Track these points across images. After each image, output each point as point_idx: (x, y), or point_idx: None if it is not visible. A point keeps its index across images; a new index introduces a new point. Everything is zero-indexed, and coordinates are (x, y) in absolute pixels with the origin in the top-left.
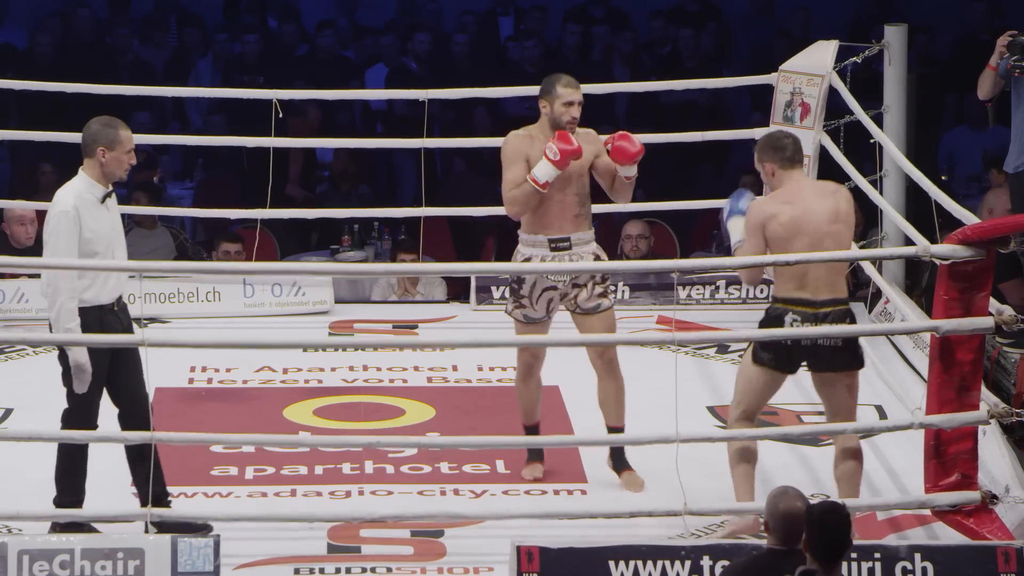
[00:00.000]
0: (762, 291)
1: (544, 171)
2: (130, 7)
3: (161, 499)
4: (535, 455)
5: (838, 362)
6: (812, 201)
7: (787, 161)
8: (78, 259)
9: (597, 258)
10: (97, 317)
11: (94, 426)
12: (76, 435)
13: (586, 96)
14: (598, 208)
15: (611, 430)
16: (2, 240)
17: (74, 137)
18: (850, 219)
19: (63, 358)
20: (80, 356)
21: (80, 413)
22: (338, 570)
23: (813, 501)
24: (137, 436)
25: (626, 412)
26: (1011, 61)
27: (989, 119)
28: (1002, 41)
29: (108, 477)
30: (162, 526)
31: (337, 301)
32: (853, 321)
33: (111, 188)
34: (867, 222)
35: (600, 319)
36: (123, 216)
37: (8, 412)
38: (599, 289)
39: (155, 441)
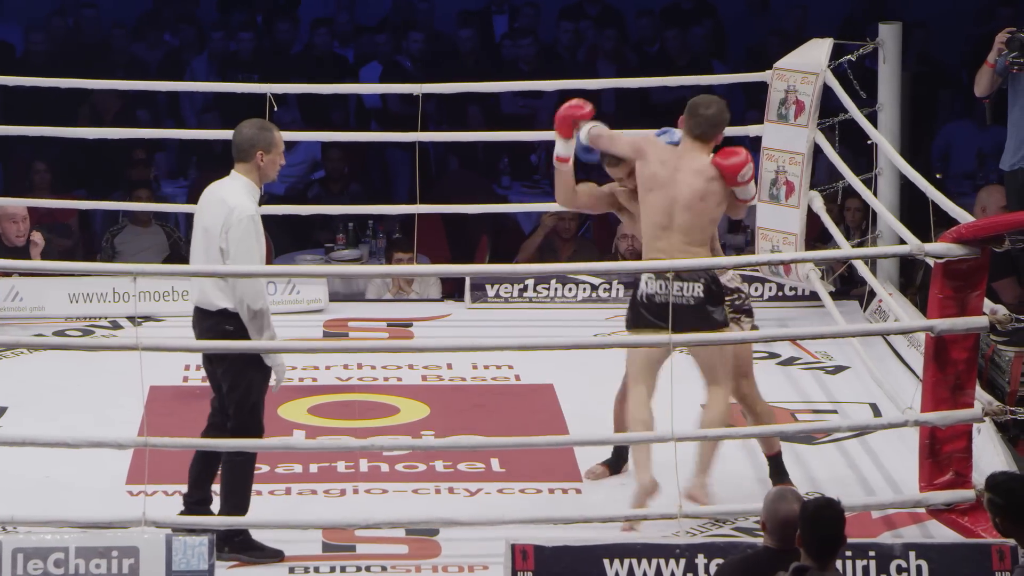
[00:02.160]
0: (757, 289)
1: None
2: (127, 5)
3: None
4: (613, 463)
5: (692, 323)
6: (684, 174)
7: (690, 131)
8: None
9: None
10: None
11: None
12: (67, 439)
13: (575, 92)
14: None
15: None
16: None
17: (66, 132)
18: (717, 206)
19: (240, 372)
20: (279, 356)
21: (254, 427)
22: (333, 569)
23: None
24: (131, 441)
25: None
26: (1009, 58)
27: (987, 117)
28: (1000, 38)
29: (105, 481)
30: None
31: (331, 299)
32: (705, 293)
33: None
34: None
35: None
36: (118, 213)
37: (2, 411)
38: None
39: (149, 447)
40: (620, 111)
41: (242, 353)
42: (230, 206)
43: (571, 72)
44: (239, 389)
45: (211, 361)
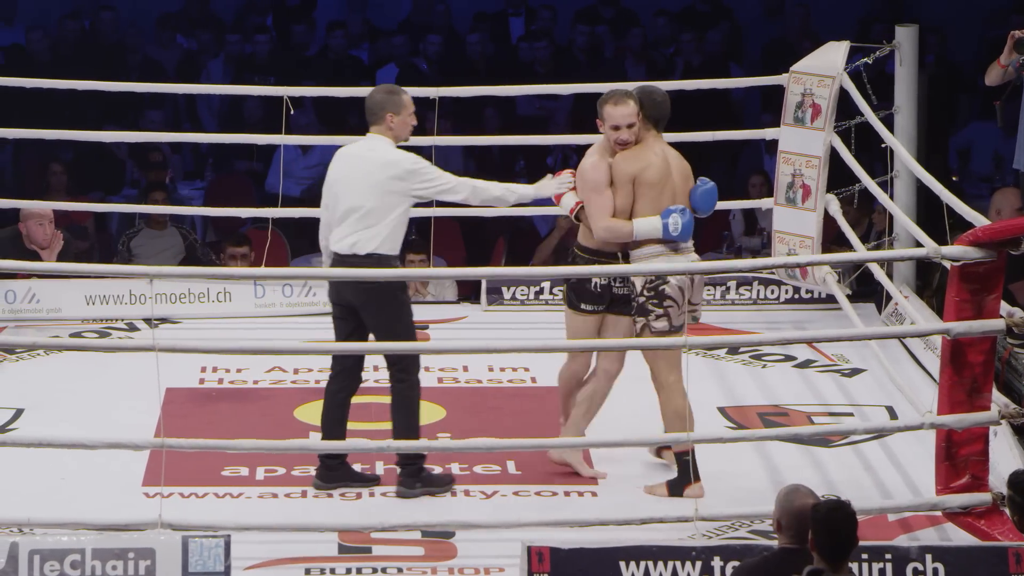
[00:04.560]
0: (773, 292)
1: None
2: (144, 8)
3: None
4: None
5: (627, 308)
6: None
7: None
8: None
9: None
10: None
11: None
12: (84, 439)
13: (591, 96)
14: None
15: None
16: (17, 239)
17: (85, 136)
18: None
19: (387, 311)
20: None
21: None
22: (349, 571)
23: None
24: (147, 442)
25: (639, 414)
26: (1020, 60)
27: (999, 119)
28: (1012, 40)
29: (121, 484)
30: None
31: None
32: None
33: None
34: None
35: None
36: (134, 216)
37: (19, 412)
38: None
39: (166, 448)
40: None
41: (385, 288)
42: (394, 159)
43: (586, 74)
44: (392, 322)
45: (347, 313)
